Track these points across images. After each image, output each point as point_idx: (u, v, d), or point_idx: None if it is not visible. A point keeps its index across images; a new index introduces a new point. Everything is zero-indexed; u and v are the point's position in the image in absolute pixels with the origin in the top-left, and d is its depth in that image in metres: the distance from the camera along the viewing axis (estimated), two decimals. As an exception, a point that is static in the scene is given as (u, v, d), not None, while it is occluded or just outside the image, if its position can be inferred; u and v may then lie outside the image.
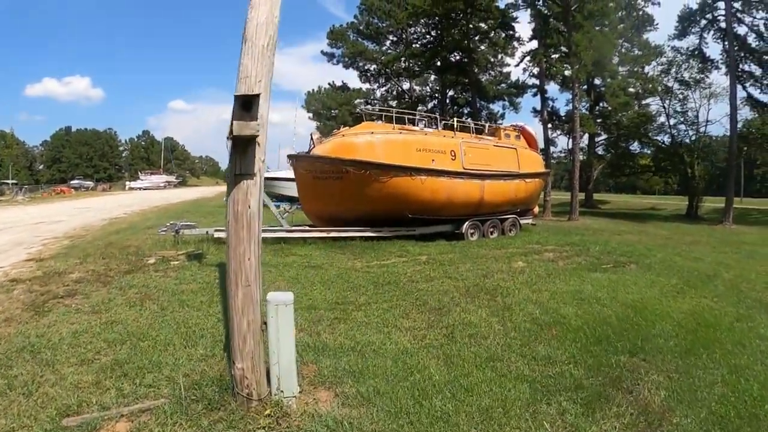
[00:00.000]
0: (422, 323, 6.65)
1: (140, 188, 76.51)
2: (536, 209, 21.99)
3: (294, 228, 14.82)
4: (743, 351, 5.92)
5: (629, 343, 5.99)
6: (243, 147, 3.20)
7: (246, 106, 3.12)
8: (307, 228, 14.93)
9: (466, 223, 16.02)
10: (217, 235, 12.80)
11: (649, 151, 43.24)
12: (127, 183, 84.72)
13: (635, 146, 43.83)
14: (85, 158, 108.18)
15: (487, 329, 6.43)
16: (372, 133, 14.73)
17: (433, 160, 15.14)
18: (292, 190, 19.02)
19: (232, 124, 3.07)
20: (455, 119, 18.18)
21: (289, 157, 15.66)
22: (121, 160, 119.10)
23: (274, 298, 3.59)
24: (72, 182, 77.38)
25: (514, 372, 5.06)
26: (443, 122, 17.79)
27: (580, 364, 5.31)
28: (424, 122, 17.81)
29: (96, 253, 11.71)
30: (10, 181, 67.30)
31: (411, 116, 17.11)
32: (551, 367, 5.23)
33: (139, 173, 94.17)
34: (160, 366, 4.91)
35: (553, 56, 32.86)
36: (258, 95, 3.14)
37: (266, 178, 20.88)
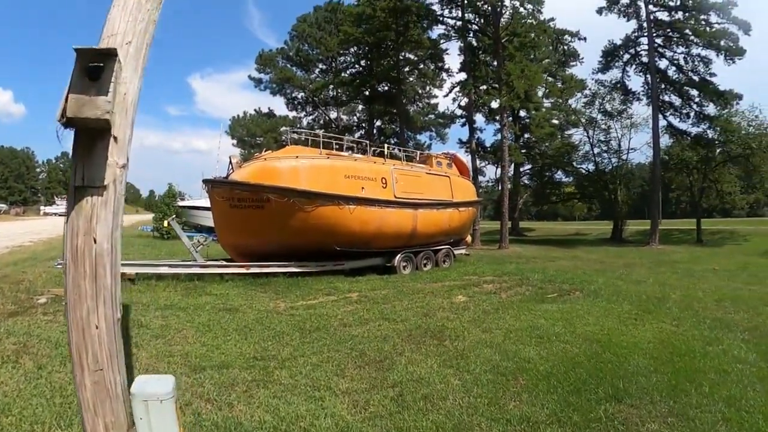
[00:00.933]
0: (362, 383, 5.37)
1: (56, 213, 71.61)
2: (469, 239, 21.43)
3: (209, 263, 13.15)
4: (729, 379, 5.58)
5: (610, 386, 5.25)
6: (87, 141, 1.92)
7: (93, 72, 1.86)
8: (224, 263, 13.28)
9: (399, 255, 15.13)
10: (121, 270, 10.97)
11: (571, 179, 44.82)
12: (42, 208, 78.91)
13: (559, 175, 45.46)
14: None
15: (444, 386, 5.29)
16: (297, 157, 13.53)
17: (362, 188, 14.15)
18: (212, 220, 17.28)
19: (66, 98, 1.80)
20: (386, 145, 17.36)
21: (204, 182, 14.06)
22: (38, 183, 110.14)
23: (142, 390, 2.19)
24: None
25: (490, 445, 4.00)
26: (373, 149, 16.85)
27: (566, 423, 4.44)
28: (352, 148, 16.79)
29: (-19, 289, 9.96)
30: None
31: (339, 141, 16.05)
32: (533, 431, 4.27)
33: (56, 198, 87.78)
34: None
35: (481, 88, 33.34)
36: (114, 54, 1.88)
37: (185, 207, 18.86)
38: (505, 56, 29.85)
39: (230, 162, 13.75)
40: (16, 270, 12.87)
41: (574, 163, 41.86)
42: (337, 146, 15.68)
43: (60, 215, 69.56)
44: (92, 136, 1.94)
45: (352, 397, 4.96)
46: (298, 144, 15.54)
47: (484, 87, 33.28)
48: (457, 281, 13.35)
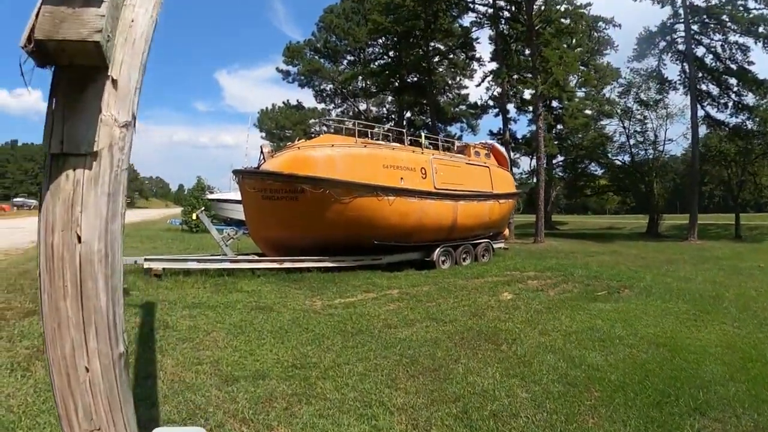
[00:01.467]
0: (419, 396, 4.67)
1: None
2: (506, 232, 20.55)
3: (240, 257, 12.61)
4: (809, 389, 5.13)
5: (690, 398, 4.77)
6: (71, 84, 1.23)
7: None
8: (256, 257, 12.71)
9: (438, 249, 14.42)
10: (147, 265, 10.67)
11: (605, 171, 43.55)
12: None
13: (593, 166, 44.13)
14: (30, 175, 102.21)
15: (511, 400, 4.61)
16: (332, 146, 12.86)
17: (401, 179, 13.42)
18: (242, 212, 16.74)
19: (38, 13, 1.14)
20: (423, 133, 16.59)
21: (235, 172, 13.50)
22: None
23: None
24: (15, 200, 74.36)
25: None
26: (410, 138, 16.07)
27: (654, 443, 3.85)
28: (388, 137, 16.04)
29: (2, 284, 9.56)
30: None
31: (373, 130, 15.30)
32: (622, 455, 3.64)
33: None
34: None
35: (513, 77, 32.32)
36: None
37: (214, 200, 18.33)
38: (540, 43, 28.76)
39: (261, 151, 13.15)
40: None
41: (609, 155, 40.57)
42: (372, 135, 15.00)
43: None
44: (78, 74, 1.25)
45: (410, 414, 4.27)
46: (331, 133, 14.92)
47: (516, 76, 32.26)
48: (499, 277, 12.78)
